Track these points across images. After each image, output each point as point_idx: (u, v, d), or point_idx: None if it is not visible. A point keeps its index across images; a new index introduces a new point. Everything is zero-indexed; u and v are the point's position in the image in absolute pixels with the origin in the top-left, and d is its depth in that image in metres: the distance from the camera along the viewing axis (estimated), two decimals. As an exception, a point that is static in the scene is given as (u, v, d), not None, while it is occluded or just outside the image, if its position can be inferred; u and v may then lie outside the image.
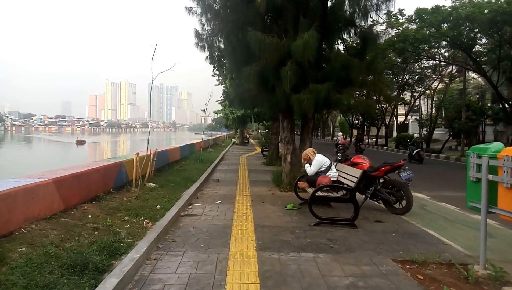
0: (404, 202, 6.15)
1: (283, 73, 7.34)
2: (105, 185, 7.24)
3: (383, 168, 6.33)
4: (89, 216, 5.41)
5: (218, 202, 6.97)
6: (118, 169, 8.14)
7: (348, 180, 5.83)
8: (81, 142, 49.56)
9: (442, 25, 17.42)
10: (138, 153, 9.13)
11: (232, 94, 12.95)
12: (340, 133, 17.10)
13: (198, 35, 12.42)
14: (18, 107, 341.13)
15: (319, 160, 6.27)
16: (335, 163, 6.75)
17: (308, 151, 6.45)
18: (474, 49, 20.33)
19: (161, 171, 11.49)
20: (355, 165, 6.73)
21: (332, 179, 6.15)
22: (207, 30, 12.43)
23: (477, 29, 17.62)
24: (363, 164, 6.69)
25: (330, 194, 5.51)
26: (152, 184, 9.37)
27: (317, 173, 6.27)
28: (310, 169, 6.28)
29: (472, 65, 21.08)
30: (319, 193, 5.37)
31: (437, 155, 23.78)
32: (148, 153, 10.57)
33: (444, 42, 21.14)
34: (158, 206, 6.66)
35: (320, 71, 8.11)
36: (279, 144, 8.53)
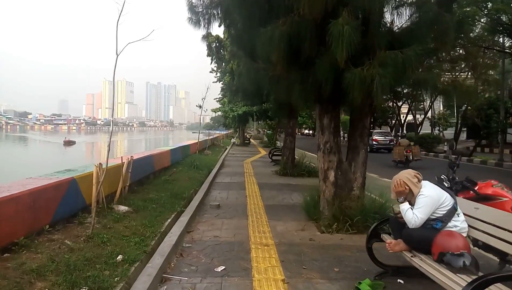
0: None
1: (336, 29, 4.08)
2: (33, 221, 4.39)
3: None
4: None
5: (219, 269, 3.64)
6: (65, 191, 5.26)
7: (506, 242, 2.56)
8: (69, 143, 45.58)
9: (488, 3, 14.38)
10: (100, 165, 5.95)
11: (239, 81, 9.79)
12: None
13: (192, 7, 9.38)
14: (14, 106, 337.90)
15: (432, 196, 2.99)
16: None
17: (406, 175, 3.14)
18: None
19: (143, 184, 8.56)
20: (487, 199, 3.46)
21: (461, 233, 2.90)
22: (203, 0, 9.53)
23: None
24: (505, 199, 3.41)
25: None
26: (124, 208, 6.46)
27: (427, 223, 3.02)
28: (413, 216, 2.99)
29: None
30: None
31: (469, 158, 20.58)
32: (120, 162, 7.59)
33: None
34: (119, 257, 3.85)
35: (389, 33, 4.86)
36: (318, 153, 5.26)
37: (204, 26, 10.05)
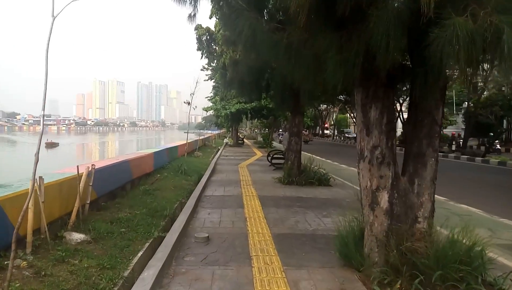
0: None
1: None
2: None
3: None
4: None
5: None
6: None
7: None
8: (51, 145, 42.71)
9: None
10: (41, 178, 3.96)
11: (235, 70, 7.95)
12: None
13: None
14: (2, 106, 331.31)
15: None
16: None
17: None
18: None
19: (115, 197, 6.96)
20: None
21: None
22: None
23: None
24: None
25: None
26: (78, 236, 4.84)
27: None
28: None
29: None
30: None
31: (483, 159, 18.92)
32: (77, 173, 5.74)
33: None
34: None
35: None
36: (360, 164, 3.23)
37: (191, 2, 8.08)
